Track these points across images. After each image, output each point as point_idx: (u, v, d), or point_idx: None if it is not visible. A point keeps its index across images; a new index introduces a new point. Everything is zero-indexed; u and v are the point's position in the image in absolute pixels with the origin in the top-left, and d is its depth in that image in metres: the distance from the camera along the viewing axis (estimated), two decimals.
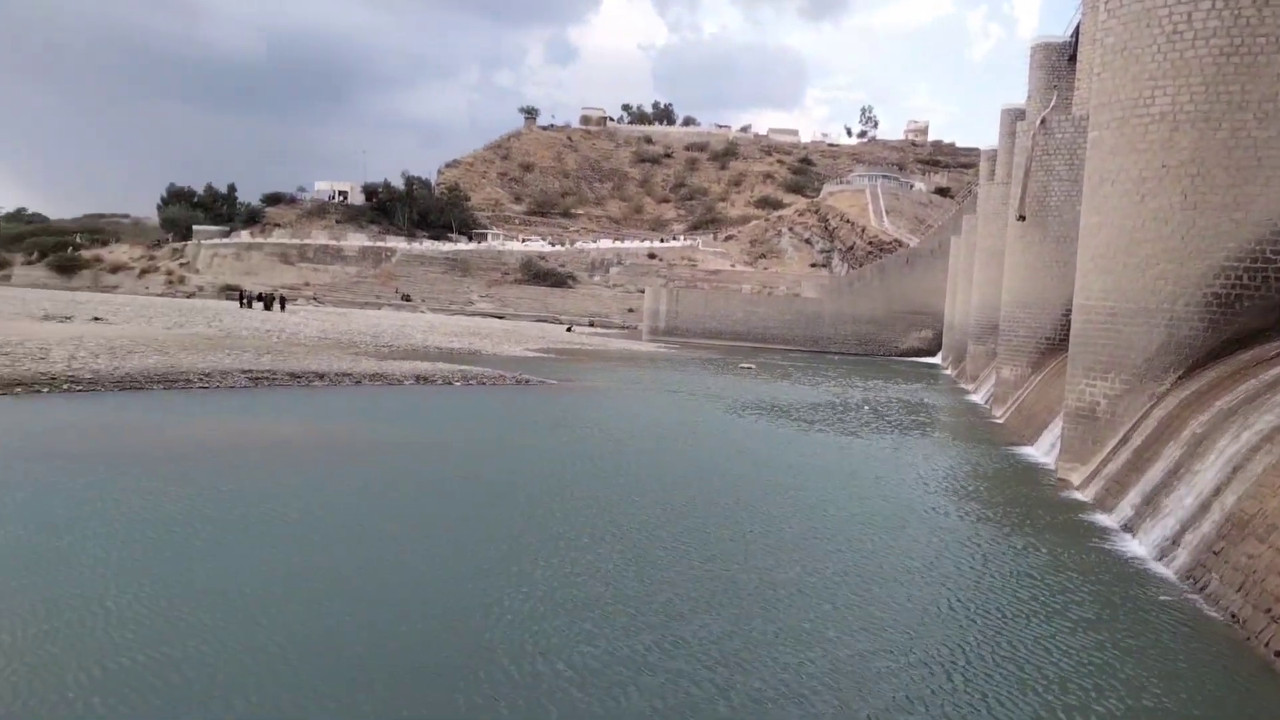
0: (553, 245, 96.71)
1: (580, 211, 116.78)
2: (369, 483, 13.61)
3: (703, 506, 13.09)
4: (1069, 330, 17.81)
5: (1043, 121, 27.82)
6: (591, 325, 78.38)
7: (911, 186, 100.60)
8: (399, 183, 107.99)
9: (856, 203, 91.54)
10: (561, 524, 11.46)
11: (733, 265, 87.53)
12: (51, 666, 6.57)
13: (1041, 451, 20.00)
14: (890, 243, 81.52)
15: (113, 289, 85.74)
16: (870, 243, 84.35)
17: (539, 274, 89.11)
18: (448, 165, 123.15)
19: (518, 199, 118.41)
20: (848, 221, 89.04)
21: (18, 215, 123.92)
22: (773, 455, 18.32)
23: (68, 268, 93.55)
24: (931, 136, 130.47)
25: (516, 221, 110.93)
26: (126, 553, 9.29)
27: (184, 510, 11.08)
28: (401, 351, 36.92)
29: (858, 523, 12.62)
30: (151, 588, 8.24)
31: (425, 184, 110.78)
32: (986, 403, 32.01)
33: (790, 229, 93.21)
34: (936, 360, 59.92)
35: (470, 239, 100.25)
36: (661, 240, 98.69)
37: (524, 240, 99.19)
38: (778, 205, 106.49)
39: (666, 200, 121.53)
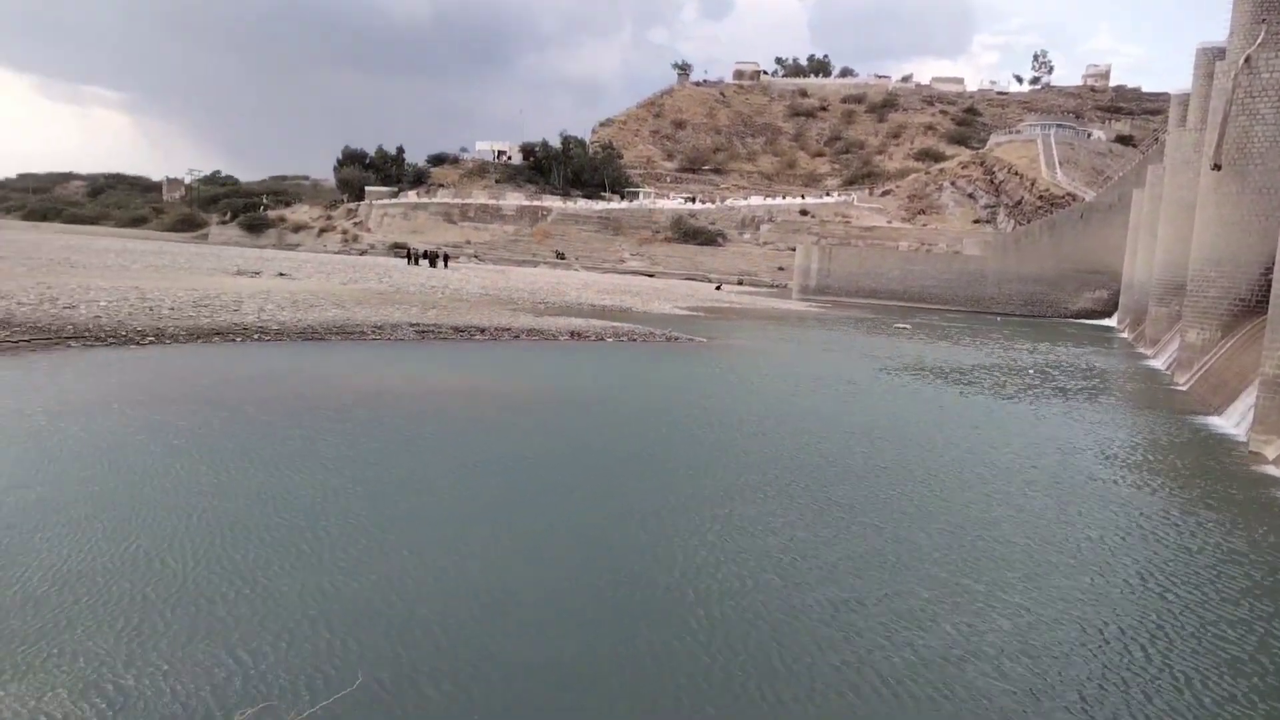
0: (703, 203, 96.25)
1: (732, 168, 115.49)
2: (538, 432, 14.14)
3: (866, 466, 12.89)
4: (1269, 291, 16.25)
5: (1247, 60, 25.19)
6: (740, 284, 77.82)
7: (1089, 135, 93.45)
8: (555, 142, 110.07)
9: (1026, 154, 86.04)
10: (725, 480, 11.51)
11: (889, 222, 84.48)
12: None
13: (1231, 423, 18.48)
14: (1063, 197, 76.30)
15: (294, 247, 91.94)
16: (1040, 197, 79.25)
17: (688, 232, 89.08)
18: (601, 124, 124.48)
19: (669, 156, 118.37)
20: (1016, 174, 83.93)
21: (213, 178, 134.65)
22: (933, 417, 17.78)
23: (256, 227, 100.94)
24: (1113, 81, 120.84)
25: (668, 179, 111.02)
26: (345, 491, 10.07)
27: (380, 451, 11.89)
28: (556, 308, 37.92)
29: (1031, 490, 12.09)
30: (356, 525, 8.93)
31: (580, 143, 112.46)
32: (1168, 369, 29.78)
33: (952, 183, 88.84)
34: (1111, 323, 56.10)
35: (622, 197, 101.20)
36: (814, 196, 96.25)
37: (674, 198, 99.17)
38: (939, 158, 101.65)
39: (820, 155, 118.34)
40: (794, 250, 73.54)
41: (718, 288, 69.56)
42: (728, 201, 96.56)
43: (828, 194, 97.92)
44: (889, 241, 75.16)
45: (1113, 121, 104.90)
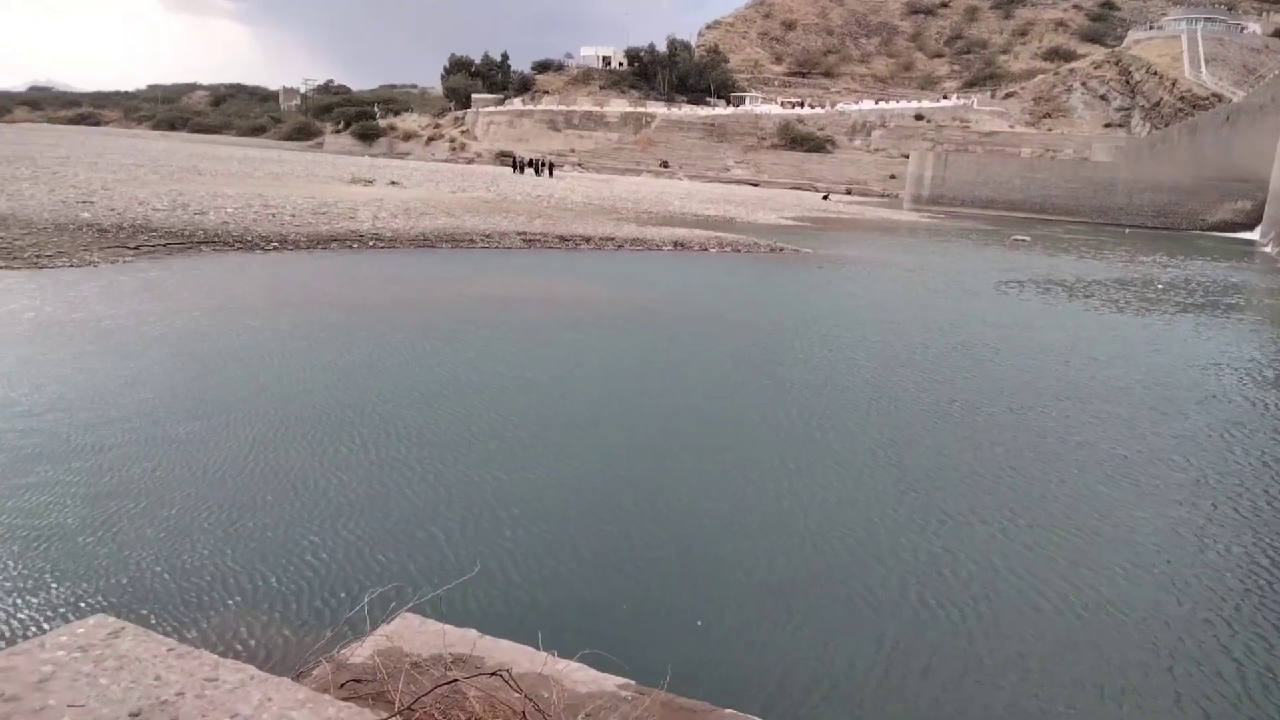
0: (811, 108, 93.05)
1: (843, 71, 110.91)
2: (650, 342, 14.39)
3: (986, 389, 12.60)
4: None
5: None
6: (849, 193, 75.57)
7: (1242, 29, 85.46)
8: (661, 47, 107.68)
9: (1168, 51, 79.52)
10: (838, 396, 11.37)
11: (1011, 126, 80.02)
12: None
13: None
14: (1206, 98, 70.54)
15: (404, 155, 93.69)
16: (1181, 98, 73.49)
17: (796, 139, 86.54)
18: (708, 26, 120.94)
19: (778, 59, 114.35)
20: (1154, 74, 77.86)
21: (326, 88, 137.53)
22: (1056, 335, 17.19)
23: (368, 136, 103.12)
24: None
25: (775, 83, 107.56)
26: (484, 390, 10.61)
27: (495, 355, 12.39)
28: (659, 218, 37.77)
29: (1192, 411, 11.55)
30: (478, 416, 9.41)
31: (685, 46, 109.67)
32: None
33: (1083, 84, 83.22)
34: (1253, 236, 52.27)
35: (728, 103, 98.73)
36: (931, 100, 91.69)
37: (782, 103, 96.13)
38: (1069, 57, 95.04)
39: (939, 55, 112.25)
40: (907, 157, 70.70)
41: (825, 197, 67.79)
42: (838, 106, 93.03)
43: (945, 97, 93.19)
44: (1009, 147, 71.36)
45: (1270, 14, 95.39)
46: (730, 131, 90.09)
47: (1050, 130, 78.05)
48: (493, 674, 3.28)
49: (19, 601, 5.23)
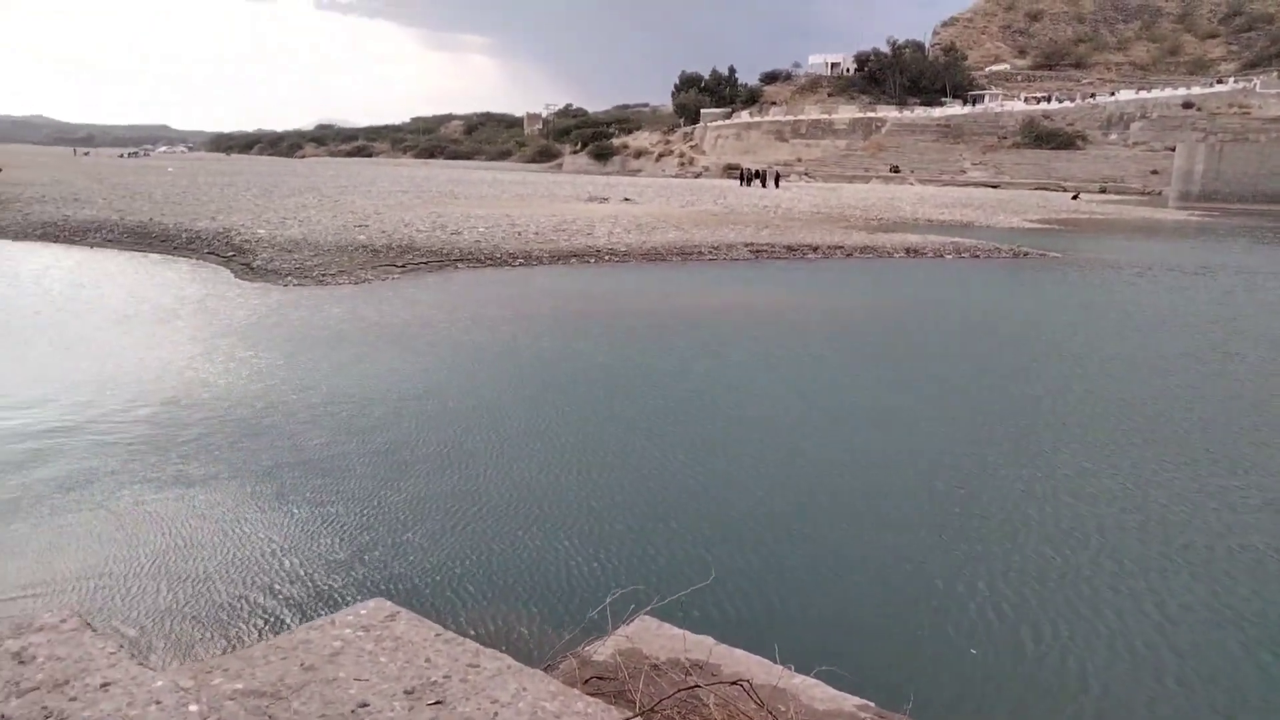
0: (1059, 102, 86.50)
1: (1096, 60, 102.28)
2: (886, 350, 14.03)
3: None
4: None
5: None
6: (1103, 191, 69.43)
7: None
8: (892, 49, 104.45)
9: None
10: (1085, 423, 10.52)
11: None
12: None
13: None
14: None
15: (635, 172, 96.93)
16: None
17: (1041, 135, 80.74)
18: (944, 24, 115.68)
19: (1021, 53, 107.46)
20: None
21: (565, 111, 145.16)
22: None
23: (602, 155, 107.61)
24: None
25: (1018, 79, 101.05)
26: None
27: (725, 362, 12.58)
28: (890, 224, 36.59)
29: None
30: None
31: (918, 47, 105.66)
32: None
33: None
34: None
35: (965, 102, 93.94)
36: (1201, 86, 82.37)
37: (1026, 99, 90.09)
38: None
39: (1213, 36, 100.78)
40: (1172, 150, 63.90)
41: (1074, 197, 62.72)
42: (1090, 99, 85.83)
43: (1219, 81, 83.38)
44: None
45: None
46: (967, 132, 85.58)
47: None
48: (733, 683, 3.32)
49: (312, 582, 5.92)
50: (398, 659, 3.43)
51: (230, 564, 6.17)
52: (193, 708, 2.58)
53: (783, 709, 3.51)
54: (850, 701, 3.76)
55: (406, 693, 3.16)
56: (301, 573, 6.04)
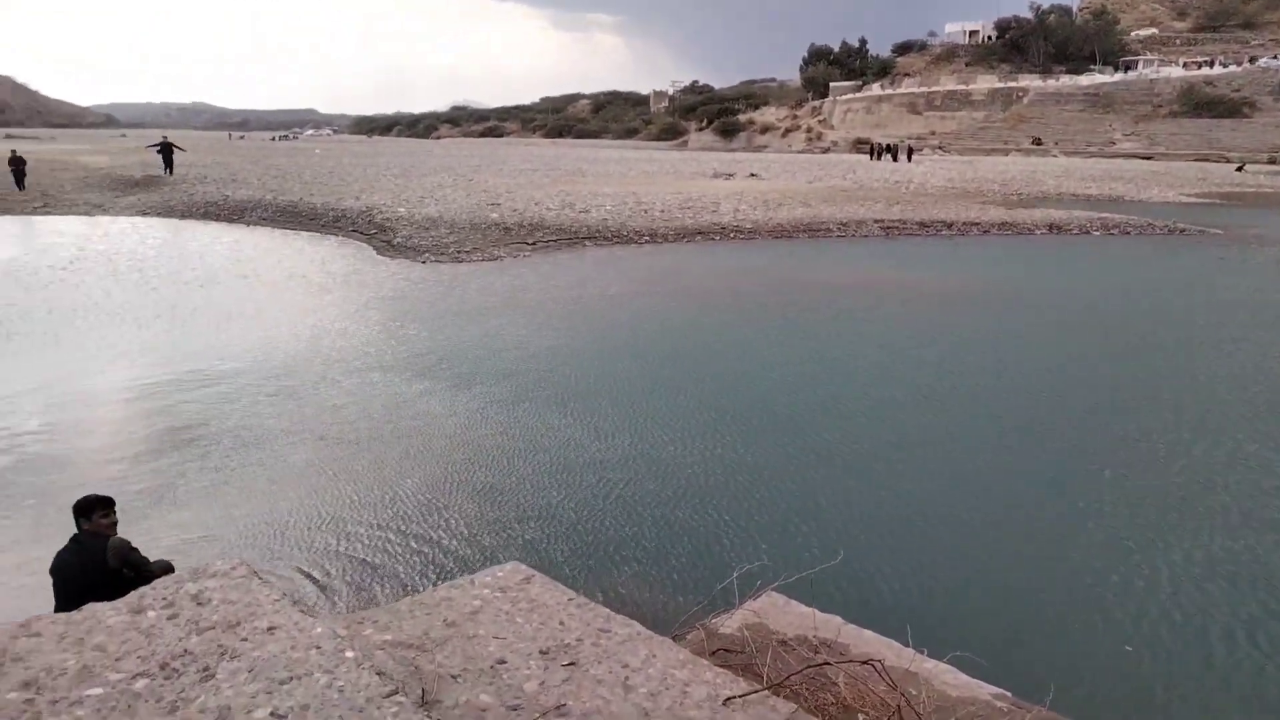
0: (1224, 66, 79.94)
1: (1268, 19, 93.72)
2: (1034, 332, 13.48)
3: None
4: None
5: None
6: (1272, 162, 63.90)
7: None
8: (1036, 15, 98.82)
9: None
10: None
11: None
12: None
13: None
14: None
15: (761, 149, 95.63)
16: None
17: (1201, 103, 74.83)
18: None
19: (1181, 14, 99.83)
20: None
21: (691, 88, 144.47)
22: None
23: (728, 131, 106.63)
24: None
25: (1176, 42, 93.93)
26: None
27: (836, 341, 12.36)
28: (1031, 199, 34.85)
29: None
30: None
31: (1065, 11, 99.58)
32: None
33: None
34: None
35: (1115, 69, 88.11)
36: None
37: (1185, 64, 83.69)
38: None
39: None
40: None
41: (1239, 168, 58.00)
42: (1259, 62, 78.97)
43: None
44: None
45: None
46: (1117, 101, 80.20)
47: None
48: (864, 663, 3.28)
49: (451, 542, 6.22)
50: (533, 620, 3.56)
51: (378, 522, 6.55)
52: (349, 654, 2.76)
53: (914, 692, 3.45)
54: (985, 689, 3.66)
55: (542, 652, 3.28)
56: (442, 532, 6.35)
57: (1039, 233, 25.56)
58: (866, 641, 4.01)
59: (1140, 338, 13.15)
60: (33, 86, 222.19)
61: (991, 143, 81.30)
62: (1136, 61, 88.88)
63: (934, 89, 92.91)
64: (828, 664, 3.38)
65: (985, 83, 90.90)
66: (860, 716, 3.19)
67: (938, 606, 5.38)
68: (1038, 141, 79.43)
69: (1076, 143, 77.42)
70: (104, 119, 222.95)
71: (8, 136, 78.93)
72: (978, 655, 3.81)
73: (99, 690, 2.53)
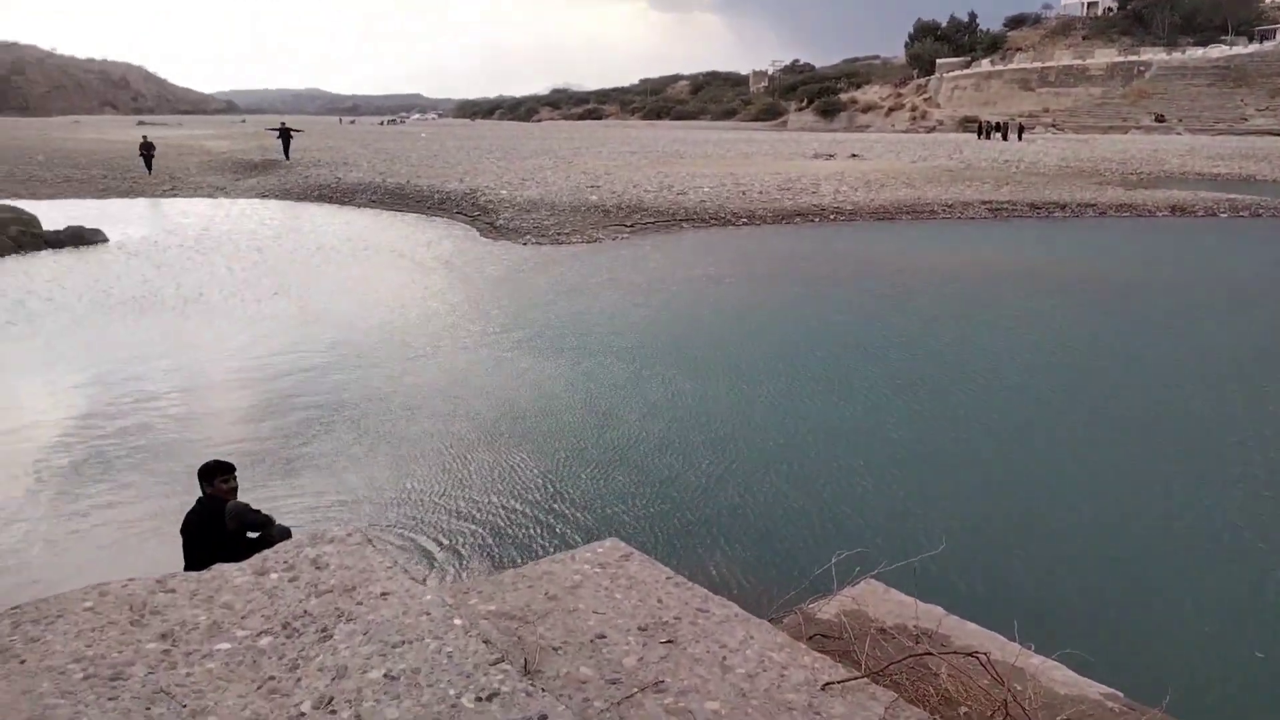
0: None
1: None
2: (1166, 320, 12.86)
3: None
4: None
5: None
6: None
7: None
8: None
9: None
10: None
11: None
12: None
13: None
14: None
15: (864, 128, 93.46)
16: None
17: None
18: None
19: None
20: None
21: (791, 67, 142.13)
22: None
23: (828, 111, 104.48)
24: None
25: None
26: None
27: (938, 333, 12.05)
28: (1152, 179, 33.02)
29: None
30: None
31: None
32: None
33: None
34: None
35: (1251, 39, 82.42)
36: None
37: None
38: None
39: None
40: None
41: None
42: None
43: None
44: None
45: None
46: (1252, 74, 74.93)
47: None
48: (969, 654, 3.21)
49: (554, 518, 6.35)
50: (631, 597, 3.61)
51: (483, 494, 6.75)
52: (457, 621, 2.86)
53: (1020, 688, 3.36)
54: (1096, 688, 3.54)
55: (640, 629, 3.33)
56: (543, 507, 6.50)
57: (1161, 214, 24.26)
58: (969, 633, 3.91)
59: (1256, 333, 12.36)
60: (161, 75, 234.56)
61: (1110, 120, 77.25)
62: (1274, 31, 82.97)
63: (1048, 64, 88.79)
64: (930, 654, 3.32)
65: (1104, 57, 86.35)
66: (963, 709, 3.12)
67: (1047, 602, 5.21)
68: (1160, 118, 75.07)
69: (1204, 119, 72.87)
70: (225, 105, 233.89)
71: (140, 123, 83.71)
72: (1088, 654, 3.69)
73: (227, 645, 2.70)
